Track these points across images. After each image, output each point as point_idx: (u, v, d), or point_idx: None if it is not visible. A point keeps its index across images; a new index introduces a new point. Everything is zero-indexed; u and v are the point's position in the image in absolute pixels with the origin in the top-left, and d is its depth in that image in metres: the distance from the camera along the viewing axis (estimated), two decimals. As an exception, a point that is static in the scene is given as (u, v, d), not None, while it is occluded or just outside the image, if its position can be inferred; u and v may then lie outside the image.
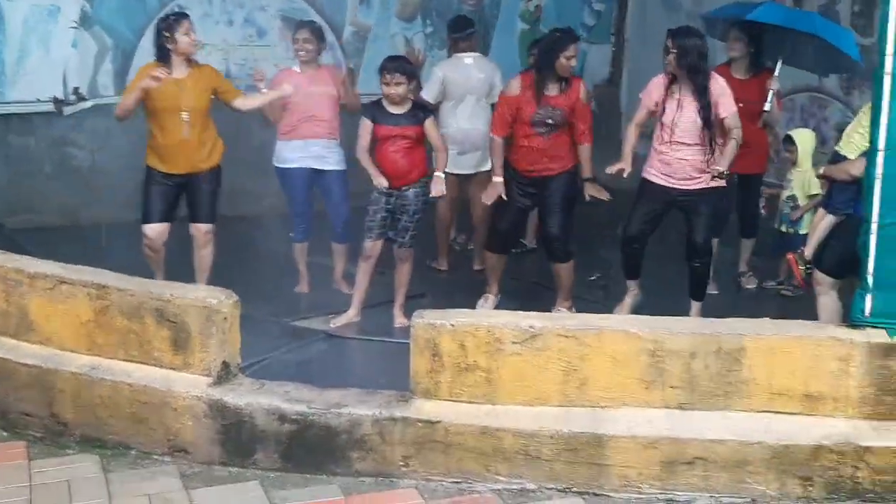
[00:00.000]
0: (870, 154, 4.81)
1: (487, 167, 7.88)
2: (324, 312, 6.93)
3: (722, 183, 6.32)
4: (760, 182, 7.56)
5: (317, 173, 7.12)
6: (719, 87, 6.30)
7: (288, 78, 7.01)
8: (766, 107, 7.05)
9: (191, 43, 6.50)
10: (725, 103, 6.27)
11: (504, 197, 6.68)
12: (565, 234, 6.74)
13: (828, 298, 5.64)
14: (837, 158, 5.75)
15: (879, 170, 4.73)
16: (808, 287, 5.85)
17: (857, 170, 5.48)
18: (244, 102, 6.74)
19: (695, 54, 6.19)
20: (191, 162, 6.58)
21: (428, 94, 7.84)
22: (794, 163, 7.28)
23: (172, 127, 6.48)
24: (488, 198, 6.74)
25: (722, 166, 6.21)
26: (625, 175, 6.39)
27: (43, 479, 4.91)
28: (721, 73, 7.00)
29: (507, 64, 8.53)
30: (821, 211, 6.03)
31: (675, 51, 6.21)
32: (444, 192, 6.73)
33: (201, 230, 6.70)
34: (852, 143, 5.63)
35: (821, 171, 5.99)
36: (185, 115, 6.45)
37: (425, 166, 6.68)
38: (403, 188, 6.57)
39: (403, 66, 6.56)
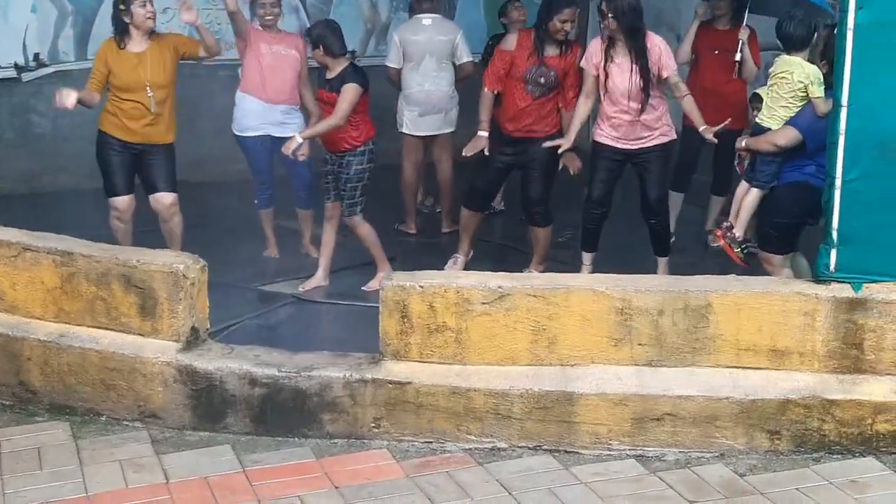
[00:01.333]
0: (833, 110, 4.83)
1: (450, 129, 7.91)
2: (292, 277, 6.92)
3: (669, 130, 6.36)
4: (735, 138, 7.50)
5: (278, 140, 7.05)
6: (658, 46, 6.22)
7: (255, 34, 6.99)
8: (737, 56, 7.04)
9: (146, 15, 6.32)
10: (666, 62, 6.21)
11: (486, 153, 6.65)
12: (546, 199, 6.73)
13: (786, 272, 5.61)
14: (759, 130, 5.71)
15: (843, 125, 4.75)
16: (749, 265, 5.82)
17: (784, 139, 5.51)
18: (205, 40, 6.61)
19: (631, 14, 6.10)
20: (150, 135, 6.47)
21: (390, 60, 7.85)
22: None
23: (135, 102, 6.38)
24: (469, 150, 6.67)
25: (701, 126, 6.18)
26: (559, 151, 6.41)
27: (13, 446, 4.90)
28: (700, 31, 7.06)
29: (471, 25, 8.48)
30: (742, 186, 5.95)
31: (610, 14, 6.12)
32: (299, 154, 6.45)
33: (165, 201, 6.51)
34: (776, 115, 5.62)
35: (742, 143, 5.87)
36: (149, 92, 6.35)
37: (361, 133, 6.54)
38: (337, 154, 6.54)
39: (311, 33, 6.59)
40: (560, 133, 6.60)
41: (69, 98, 6.22)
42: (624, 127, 6.32)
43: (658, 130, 6.33)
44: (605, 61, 6.24)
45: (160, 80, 6.41)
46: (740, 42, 7.02)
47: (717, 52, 7.12)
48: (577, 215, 6.99)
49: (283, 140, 6.94)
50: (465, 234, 7.03)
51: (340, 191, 6.61)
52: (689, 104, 6.31)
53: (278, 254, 7.30)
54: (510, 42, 6.61)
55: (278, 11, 7.07)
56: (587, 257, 6.62)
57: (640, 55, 6.16)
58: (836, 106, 4.80)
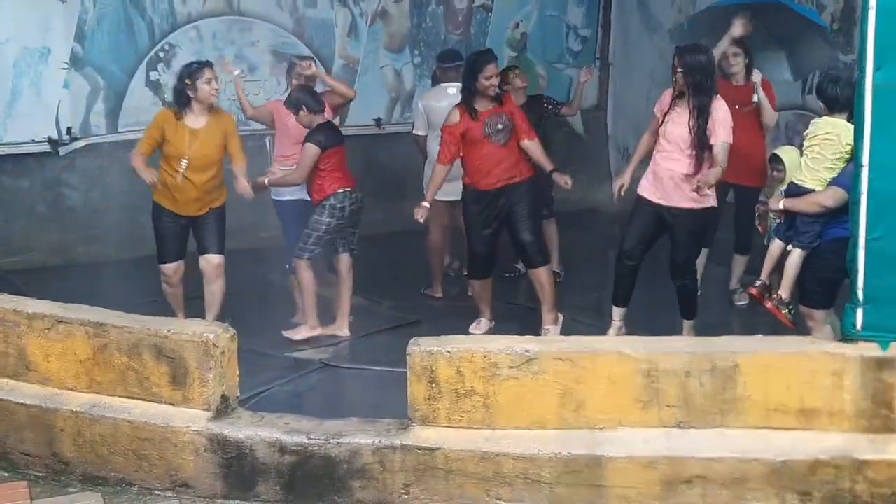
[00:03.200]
0: (854, 171, 4.87)
1: None
2: (321, 344, 6.97)
3: (706, 196, 6.33)
4: (757, 196, 7.53)
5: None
6: (720, 113, 6.29)
7: (277, 108, 7.17)
8: (754, 98, 7.12)
9: (211, 92, 6.60)
10: (720, 132, 6.26)
11: (421, 220, 6.96)
12: (538, 238, 6.98)
13: (826, 329, 5.59)
14: (799, 191, 5.74)
15: (864, 186, 4.78)
16: (796, 326, 5.82)
17: (832, 200, 5.51)
18: (240, 174, 6.70)
19: (699, 72, 6.24)
20: (201, 205, 6.72)
21: (416, 128, 8.00)
22: (781, 181, 7.32)
23: (185, 175, 6.60)
24: (417, 215, 6.94)
25: (703, 181, 6.18)
26: (622, 193, 6.51)
27: (46, 518, 4.94)
28: (720, 86, 7.13)
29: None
30: (776, 245, 5.94)
31: (680, 69, 6.28)
32: (245, 192, 6.71)
33: (213, 262, 6.78)
34: (819, 176, 5.65)
35: (780, 205, 5.87)
36: (184, 163, 6.56)
37: (324, 188, 6.88)
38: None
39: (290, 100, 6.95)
40: (535, 177, 6.98)
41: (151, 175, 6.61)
42: (663, 176, 6.38)
43: (696, 194, 6.35)
44: (669, 109, 6.39)
45: (204, 153, 6.62)
46: (755, 85, 7.11)
47: (736, 106, 7.18)
48: (601, 276, 7.04)
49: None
50: (481, 301, 7.15)
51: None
52: (713, 172, 6.24)
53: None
54: (453, 117, 6.87)
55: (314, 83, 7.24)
56: (617, 312, 6.66)
57: (701, 112, 6.26)
58: (857, 166, 4.83)
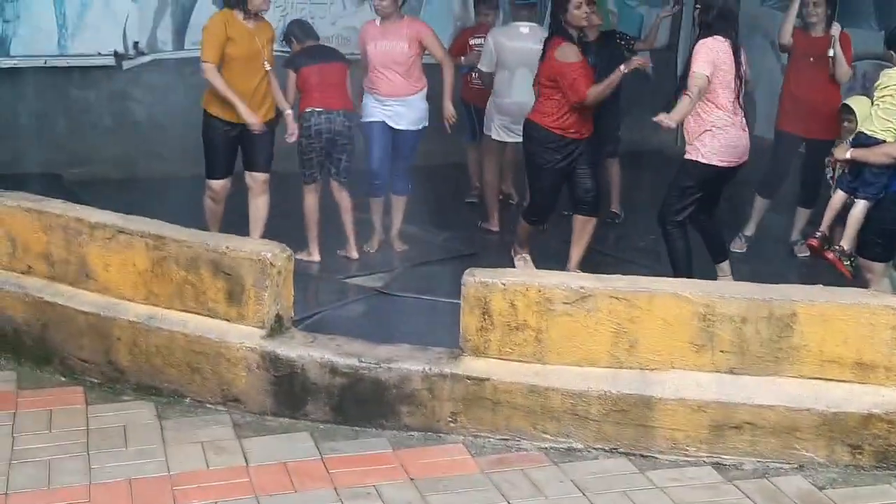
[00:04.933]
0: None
1: None
2: (375, 271, 7.00)
3: (667, 129, 6.22)
4: (828, 149, 7.37)
5: (394, 130, 7.21)
6: (699, 48, 6.12)
7: (365, 32, 7.23)
8: (830, 53, 6.94)
9: (263, 1, 6.54)
10: (693, 64, 6.10)
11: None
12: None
13: (885, 283, 5.52)
14: (867, 141, 5.60)
15: (940, 138, 4.66)
16: (855, 278, 5.71)
17: None
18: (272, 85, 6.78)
19: (706, 10, 6.13)
20: (258, 111, 6.64)
21: (482, 63, 7.83)
22: (852, 132, 7.17)
23: (249, 75, 6.55)
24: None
25: (668, 118, 6.02)
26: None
27: (99, 423, 5.03)
28: (796, 35, 6.97)
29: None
30: (838, 196, 5.81)
31: (697, 6, 6.19)
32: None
33: (259, 179, 6.79)
34: (891, 126, 5.50)
35: (848, 154, 5.72)
36: (266, 65, 6.58)
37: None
38: None
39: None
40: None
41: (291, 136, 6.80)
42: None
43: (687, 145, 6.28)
44: None
45: (267, 56, 6.60)
46: (832, 38, 6.92)
47: (811, 58, 7.03)
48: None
49: (400, 131, 7.19)
50: (527, 241, 7.04)
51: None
52: (681, 103, 6.08)
53: (379, 246, 7.38)
54: (571, 54, 6.60)
55: (388, 3, 7.11)
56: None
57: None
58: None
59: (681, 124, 6.24)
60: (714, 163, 6.21)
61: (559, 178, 6.77)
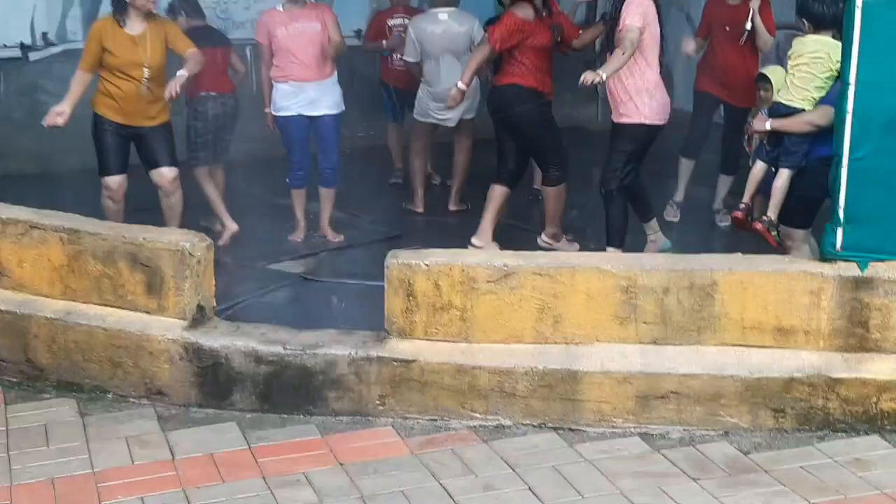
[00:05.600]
0: (841, 88, 4.81)
1: (471, 115, 7.88)
2: (298, 255, 6.94)
3: (587, 87, 6.13)
4: (746, 117, 7.42)
5: (311, 119, 7.06)
6: (630, 4, 6.10)
7: (271, 18, 7.00)
8: (747, 26, 6.96)
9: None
10: (624, 19, 6.07)
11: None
12: None
13: (805, 249, 5.57)
14: (784, 111, 5.66)
15: (850, 104, 4.72)
16: (780, 246, 5.78)
17: (824, 119, 5.41)
18: (189, 59, 6.43)
19: None
20: (144, 117, 6.46)
21: (408, 55, 7.80)
22: (768, 101, 7.24)
23: (129, 82, 6.35)
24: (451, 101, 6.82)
25: (600, 72, 6.00)
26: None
27: (20, 423, 4.93)
28: (713, 5, 7.03)
29: (482, 12, 8.40)
30: (759, 166, 5.86)
31: None
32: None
33: (167, 176, 6.50)
34: (809, 96, 5.57)
35: (768, 125, 5.77)
36: (146, 73, 6.33)
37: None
38: None
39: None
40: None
41: (59, 118, 6.34)
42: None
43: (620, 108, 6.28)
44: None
45: (157, 62, 6.38)
46: (751, 11, 6.96)
47: (727, 27, 7.08)
48: (582, 196, 7.00)
49: (316, 118, 7.03)
50: (496, 213, 6.91)
51: None
52: (614, 57, 6.08)
53: (304, 237, 7.24)
54: (526, 13, 6.55)
55: None
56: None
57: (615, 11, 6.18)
58: (844, 84, 4.77)
59: (605, 92, 6.28)
60: (656, 122, 6.28)
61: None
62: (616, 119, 6.33)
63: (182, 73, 6.31)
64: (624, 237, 6.37)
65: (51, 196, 6.90)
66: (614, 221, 6.39)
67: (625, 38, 6.00)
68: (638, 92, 6.19)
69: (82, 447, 4.70)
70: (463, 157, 7.96)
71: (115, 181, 6.48)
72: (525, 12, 6.55)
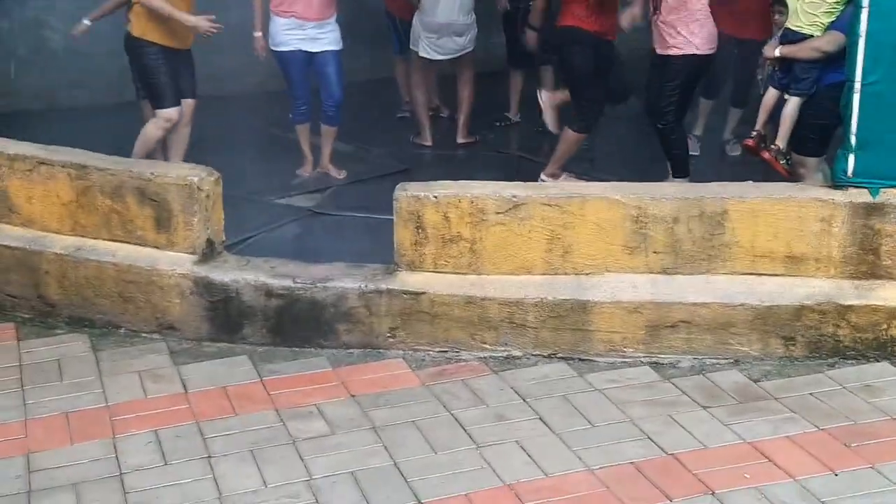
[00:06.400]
0: (854, 12, 4.73)
1: (470, 48, 7.80)
2: (308, 190, 6.93)
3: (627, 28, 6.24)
4: (759, 50, 7.36)
5: (312, 54, 6.95)
6: None
7: None
8: None
9: None
10: None
11: None
12: None
13: (818, 177, 5.53)
14: (794, 38, 5.57)
15: (864, 27, 4.65)
16: (790, 174, 5.73)
17: (832, 45, 5.35)
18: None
19: None
20: (187, 39, 6.45)
21: None
22: (782, 26, 7.13)
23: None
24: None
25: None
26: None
27: (33, 358, 4.96)
28: None
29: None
30: (771, 94, 5.79)
31: None
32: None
33: (192, 105, 6.58)
34: (818, 21, 5.48)
35: (777, 52, 5.70)
36: None
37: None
38: None
39: None
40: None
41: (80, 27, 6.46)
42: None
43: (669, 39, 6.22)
44: None
45: None
46: None
47: None
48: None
49: (316, 54, 6.91)
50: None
51: None
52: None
53: (312, 170, 7.18)
54: None
55: None
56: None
57: None
58: (857, 7, 4.69)
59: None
60: (706, 52, 6.25)
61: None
62: (664, 51, 6.27)
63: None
64: (688, 167, 6.37)
65: (58, 132, 6.89)
66: (677, 153, 6.40)
67: None
68: (687, 22, 6.13)
69: (95, 382, 4.73)
70: (466, 89, 7.90)
71: (178, 111, 6.48)
72: None
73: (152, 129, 6.48)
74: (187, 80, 6.56)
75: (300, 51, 6.91)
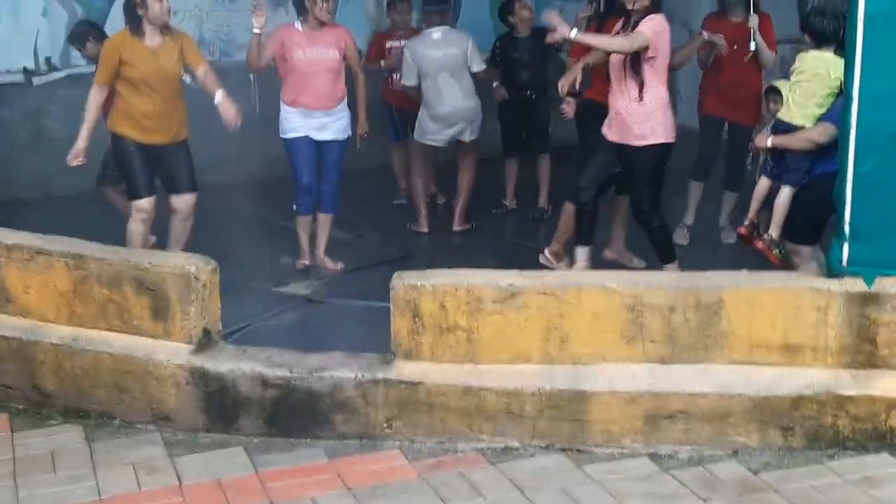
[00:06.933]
0: (844, 103, 4.80)
1: (475, 136, 7.88)
2: (304, 278, 6.93)
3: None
4: (750, 134, 7.42)
5: (317, 142, 6.95)
6: (645, 24, 6.05)
7: (289, 36, 6.81)
8: (751, 46, 6.94)
9: (162, 10, 6.23)
10: (642, 26, 6.01)
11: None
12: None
13: (812, 265, 5.54)
14: (787, 129, 5.64)
15: (854, 118, 4.71)
16: (784, 263, 5.75)
17: (824, 136, 5.42)
18: (205, 78, 6.38)
19: None
20: (170, 132, 6.42)
21: (405, 78, 7.79)
22: (776, 114, 7.22)
23: (153, 95, 6.30)
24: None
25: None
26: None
27: (27, 450, 4.91)
28: (714, 20, 7.01)
29: (480, 31, 8.42)
30: (763, 182, 5.82)
31: None
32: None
33: (188, 201, 6.48)
34: (809, 113, 5.56)
35: (769, 143, 5.75)
36: (166, 85, 6.30)
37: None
38: None
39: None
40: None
41: (77, 159, 6.41)
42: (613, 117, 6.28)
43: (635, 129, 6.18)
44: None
45: (176, 74, 6.36)
46: (752, 30, 6.95)
47: (734, 46, 7.07)
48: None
49: (322, 143, 6.93)
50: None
51: None
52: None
53: (311, 263, 7.12)
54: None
55: (334, 7, 6.91)
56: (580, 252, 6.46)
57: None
58: (847, 98, 4.76)
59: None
60: (671, 140, 6.20)
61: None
62: (630, 142, 6.16)
63: (221, 95, 6.25)
64: (673, 250, 6.33)
65: (55, 220, 6.93)
66: (660, 240, 6.33)
67: (634, 35, 5.94)
68: (653, 111, 6.12)
69: (89, 474, 4.68)
70: (467, 176, 7.98)
71: (149, 202, 6.43)
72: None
73: (132, 225, 6.44)
74: (180, 174, 6.48)
75: (308, 137, 6.90)
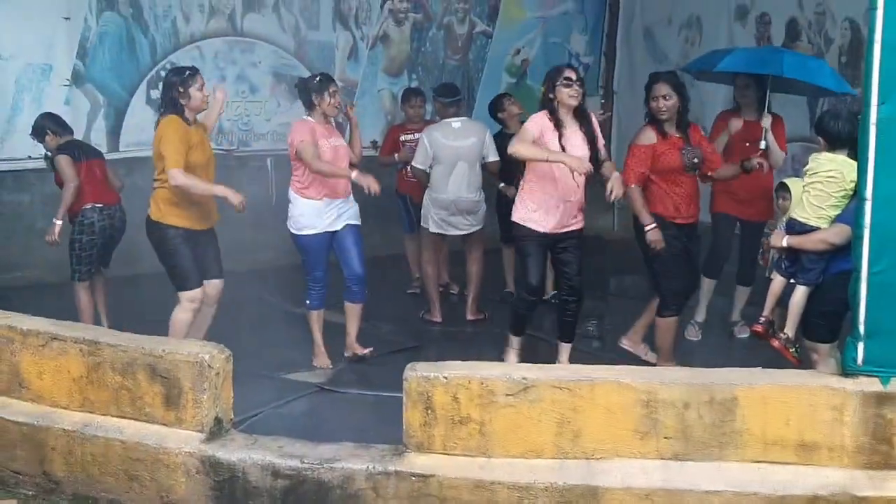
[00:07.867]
0: (858, 204, 4.84)
1: (479, 227, 7.94)
2: (316, 367, 6.92)
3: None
4: (762, 230, 7.43)
5: (332, 233, 6.88)
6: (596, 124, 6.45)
7: (312, 127, 6.74)
8: (762, 145, 7.02)
9: (203, 99, 6.28)
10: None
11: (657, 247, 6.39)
12: None
13: (830, 363, 5.52)
14: (801, 229, 5.67)
15: (868, 219, 4.74)
16: (801, 363, 5.74)
17: (839, 238, 5.44)
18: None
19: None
20: (211, 217, 6.47)
21: (418, 161, 7.86)
22: (786, 211, 7.27)
23: (207, 179, 6.31)
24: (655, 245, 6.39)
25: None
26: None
27: (34, 537, 4.89)
28: (728, 117, 7.11)
29: (491, 119, 8.53)
30: (778, 280, 5.84)
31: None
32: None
33: (219, 287, 6.52)
34: (824, 214, 5.60)
35: (784, 242, 5.78)
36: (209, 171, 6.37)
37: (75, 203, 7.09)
38: None
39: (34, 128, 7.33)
40: None
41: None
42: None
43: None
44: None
45: (211, 159, 6.44)
46: (764, 130, 7.04)
47: (748, 143, 7.14)
48: (602, 303, 6.98)
49: (338, 231, 6.86)
50: (668, 347, 6.65)
51: None
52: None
53: (332, 361, 7.01)
54: (647, 137, 6.45)
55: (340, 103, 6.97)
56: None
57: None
58: (860, 199, 4.80)
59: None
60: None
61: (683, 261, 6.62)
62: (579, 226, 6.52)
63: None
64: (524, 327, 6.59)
65: (72, 306, 6.98)
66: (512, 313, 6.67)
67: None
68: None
69: (96, 563, 4.65)
70: (476, 267, 8.02)
71: (199, 293, 6.36)
72: (648, 136, 6.47)
73: (180, 315, 6.33)
74: (212, 259, 6.50)
75: (326, 233, 6.83)
